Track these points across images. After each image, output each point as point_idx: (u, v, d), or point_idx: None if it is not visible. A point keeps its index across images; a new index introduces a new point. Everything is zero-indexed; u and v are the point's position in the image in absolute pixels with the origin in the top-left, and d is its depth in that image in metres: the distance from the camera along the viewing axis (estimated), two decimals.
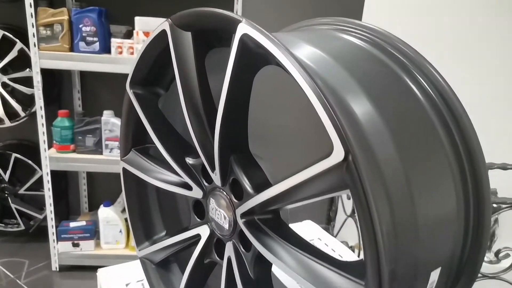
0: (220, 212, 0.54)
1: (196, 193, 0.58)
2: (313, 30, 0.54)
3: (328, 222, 2.43)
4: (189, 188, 0.59)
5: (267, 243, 0.46)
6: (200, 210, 0.60)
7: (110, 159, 1.96)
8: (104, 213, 2.08)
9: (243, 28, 0.40)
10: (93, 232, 2.13)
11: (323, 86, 0.34)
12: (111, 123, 1.94)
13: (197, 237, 0.59)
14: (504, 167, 1.05)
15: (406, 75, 0.47)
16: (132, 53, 1.79)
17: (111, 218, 2.08)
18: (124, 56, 1.80)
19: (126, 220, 2.11)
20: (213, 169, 0.53)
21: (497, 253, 1.08)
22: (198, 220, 0.60)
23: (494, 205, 1.07)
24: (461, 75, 1.59)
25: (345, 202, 2.12)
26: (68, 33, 1.80)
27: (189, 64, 0.51)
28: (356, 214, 0.35)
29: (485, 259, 1.67)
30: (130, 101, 0.65)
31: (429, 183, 0.43)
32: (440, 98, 0.46)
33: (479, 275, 1.11)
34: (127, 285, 0.80)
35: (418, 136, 0.44)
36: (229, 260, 0.53)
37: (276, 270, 0.55)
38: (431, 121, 0.45)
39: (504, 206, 1.02)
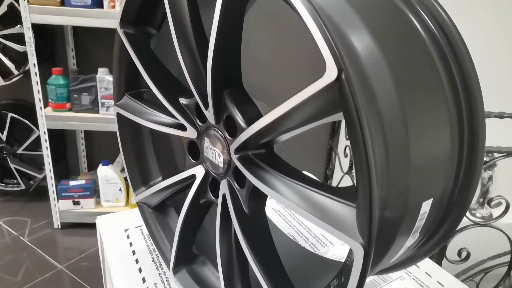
0: (214, 151, 0.54)
1: (191, 133, 0.57)
2: None
3: (325, 180, 2.46)
4: (183, 128, 0.58)
5: (261, 176, 0.46)
6: (194, 151, 0.60)
7: (106, 117, 1.95)
8: (103, 171, 2.09)
9: None
10: (93, 191, 2.15)
11: (320, 9, 0.33)
12: (106, 80, 1.91)
13: (192, 177, 0.60)
14: (501, 115, 1.05)
15: (407, 7, 0.45)
16: None
17: (110, 176, 2.10)
18: (117, 10, 1.75)
19: (125, 179, 2.14)
20: (206, 106, 0.52)
21: (489, 202, 1.10)
22: (193, 161, 0.60)
23: (489, 156, 1.07)
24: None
25: (342, 160, 2.13)
26: None
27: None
28: (353, 171, 0.35)
29: (478, 215, 1.69)
30: (121, 42, 0.64)
31: (424, 115, 0.42)
32: (442, 33, 0.45)
33: (471, 223, 1.14)
34: (125, 230, 0.82)
35: (416, 69, 0.43)
36: (224, 197, 0.54)
37: (268, 211, 0.55)
38: (430, 56, 0.44)
39: (497, 155, 1.02)
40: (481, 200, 1.62)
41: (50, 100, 1.97)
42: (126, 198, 2.17)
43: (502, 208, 1.05)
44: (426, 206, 0.44)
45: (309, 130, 0.41)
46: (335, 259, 0.73)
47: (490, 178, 1.67)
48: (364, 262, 0.34)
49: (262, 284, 0.48)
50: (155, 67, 0.61)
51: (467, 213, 1.06)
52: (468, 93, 0.45)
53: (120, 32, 0.62)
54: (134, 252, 0.75)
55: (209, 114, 0.52)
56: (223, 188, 0.54)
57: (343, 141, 2.29)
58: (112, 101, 1.95)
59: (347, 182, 2.01)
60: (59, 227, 2.20)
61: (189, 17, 0.49)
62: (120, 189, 2.13)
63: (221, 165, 0.53)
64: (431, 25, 0.45)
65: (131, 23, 0.62)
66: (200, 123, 0.56)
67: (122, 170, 2.19)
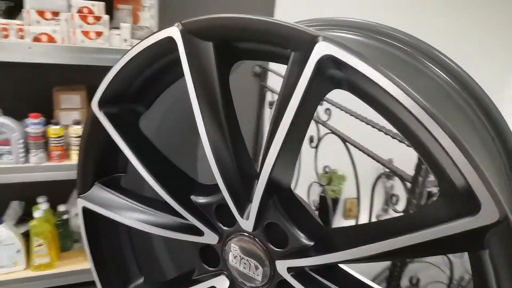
0: (248, 262, 0.45)
1: (209, 238, 0.47)
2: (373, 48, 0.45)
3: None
4: (197, 233, 0.47)
5: None
6: (211, 256, 0.49)
7: None
8: None
9: (324, 48, 0.31)
10: None
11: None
12: None
13: None
14: None
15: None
16: (22, 37, 1.46)
17: (4, 237, 1.74)
18: (11, 41, 1.46)
19: (25, 235, 1.79)
20: (242, 213, 0.42)
21: None
22: (210, 269, 0.49)
23: None
24: None
25: None
26: None
27: (209, 78, 0.39)
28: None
29: None
30: (95, 125, 0.50)
31: None
32: None
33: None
34: None
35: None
36: None
37: None
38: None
39: None
40: None
41: None
42: (26, 260, 1.82)
43: None
44: None
45: None
46: None
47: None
48: None
49: None
50: (151, 154, 0.49)
51: None
52: None
53: (99, 113, 0.49)
54: None
55: (245, 222, 0.43)
56: None
57: None
58: (6, 147, 1.63)
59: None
60: None
61: (222, 105, 0.40)
62: (18, 251, 1.78)
63: (259, 278, 0.44)
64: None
65: (114, 102, 0.49)
66: (224, 227, 0.46)
67: (18, 223, 1.84)
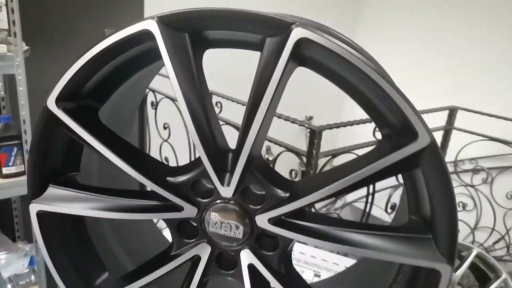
0: (229, 224, 0.51)
1: (188, 212, 0.52)
2: None
3: None
4: (175, 209, 0.52)
5: (311, 232, 0.48)
6: (189, 230, 0.54)
7: None
8: None
9: (300, 32, 0.40)
10: None
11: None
12: None
13: (194, 258, 0.54)
14: None
15: None
16: None
17: None
18: None
19: None
20: (222, 181, 0.49)
21: None
22: (190, 241, 0.54)
23: None
24: None
25: None
26: None
27: (187, 65, 0.45)
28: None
29: None
30: (51, 123, 0.50)
31: None
32: None
33: None
34: None
35: None
36: (251, 266, 0.52)
37: None
38: None
39: None
40: None
41: None
42: None
43: None
44: None
45: None
46: None
47: None
48: (449, 277, 0.44)
49: None
50: (120, 144, 0.52)
51: None
52: None
53: (57, 111, 0.49)
54: None
55: (226, 189, 0.49)
56: (247, 258, 0.52)
57: None
58: None
59: None
60: None
61: (199, 91, 0.46)
62: None
63: (240, 236, 0.51)
64: None
65: (72, 98, 0.49)
66: (202, 200, 0.52)
67: None
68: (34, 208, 0.54)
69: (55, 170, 0.54)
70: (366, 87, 0.42)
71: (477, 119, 2.38)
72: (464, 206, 2.63)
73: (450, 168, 2.93)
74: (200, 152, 0.48)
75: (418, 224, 0.46)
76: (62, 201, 0.53)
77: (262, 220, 0.50)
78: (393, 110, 0.41)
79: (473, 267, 1.65)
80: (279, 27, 0.40)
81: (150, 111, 2.22)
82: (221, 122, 1.66)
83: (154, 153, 2.27)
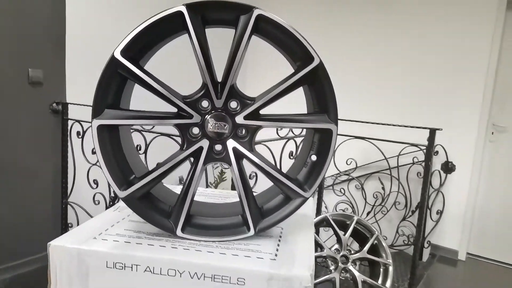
0: (221, 124, 0.90)
1: (196, 119, 0.90)
2: None
3: None
4: (187, 117, 0.89)
5: (264, 119, 0.90)
6: (192, 132, 0.91)
7: None
8: None
9: (258, 11, 0.85)
10: None
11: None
12: None
13: (198, 150, 0.91)
14: None
15: None
16: None
17: None
18: None
19: None
20: (218, 96, 0.89)
21: None
22: (196, 139, 0.91)
23: None
24: None
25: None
26: None
27: (201, 35, 0.86)
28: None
29: None
30: (114, 66, 0.85)
31: None
32: None
33: None
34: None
35: None
36: (234, 148, 0.91)
37: None
38: None
39: None
40: None
41: None
42: None
43: None
44: None
45: None
46: None
47: None
48: (336, 133, 0.90)
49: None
50: (156, 79, 0.88)
51: None
52: None
53: (122, 58, 0.84)
54: None
55: (219, 101, 0.89)
56: (232, 144, 0.91)
57: None
58: None
59: None
60: None
61: (206, 54, 0.87)
62: None
63: (227, 131, 0.91)
64: None
65: (127, 53, 0.85)
66: (203, 111, 0.90)
67: None
68: (95, 123, 0.85)
69: (111, 100, 0.87)
70: (289, 39, 0.88)
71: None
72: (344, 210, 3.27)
73: (330, 181, 3.60)
74: (207, 80, 0.88)
75: (318, 110, 0.92)
76: (112, 118, 0.86)
77: (240, 119, 0.90)
78: (301, 48, 0.88)
79: (355, 231, 2.20)
80: (247, 9, 0.85)
81: (76, 141, 2.40)
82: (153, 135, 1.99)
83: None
